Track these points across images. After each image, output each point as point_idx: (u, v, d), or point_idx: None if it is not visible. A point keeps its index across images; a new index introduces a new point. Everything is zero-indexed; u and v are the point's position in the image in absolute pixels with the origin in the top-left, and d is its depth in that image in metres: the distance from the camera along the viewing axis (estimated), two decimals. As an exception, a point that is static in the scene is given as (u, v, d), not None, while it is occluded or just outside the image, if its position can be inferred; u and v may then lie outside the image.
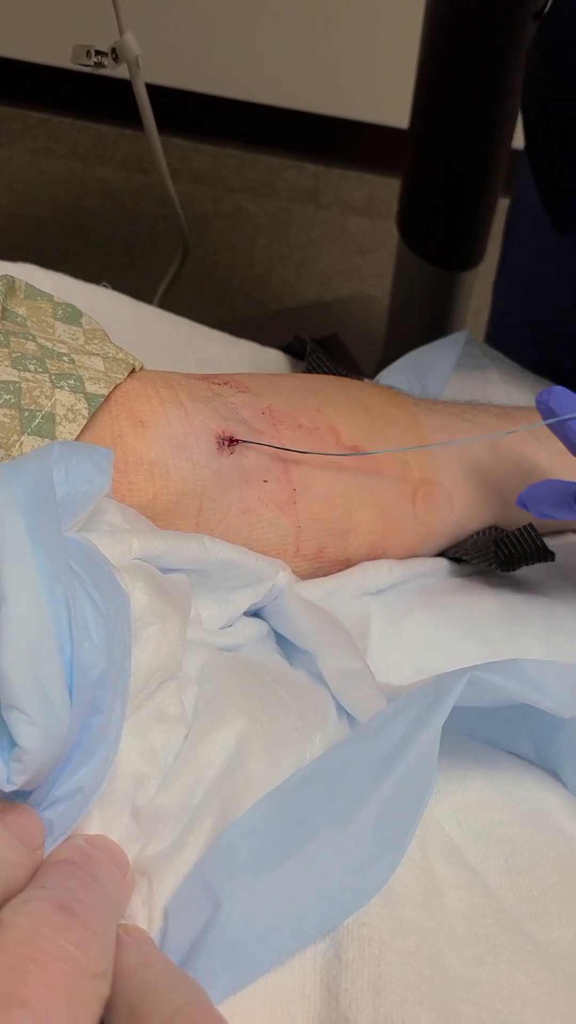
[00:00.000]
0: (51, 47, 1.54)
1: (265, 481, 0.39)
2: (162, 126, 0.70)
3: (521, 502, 0.41)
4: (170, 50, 1.51)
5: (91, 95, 1.62)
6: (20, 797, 0.24)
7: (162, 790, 0.27)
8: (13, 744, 0.22)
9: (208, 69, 1.58)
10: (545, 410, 0.40)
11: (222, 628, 0.37)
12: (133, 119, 0.67)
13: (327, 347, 1.10)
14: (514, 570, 0.44)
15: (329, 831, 0.26)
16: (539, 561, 0.44)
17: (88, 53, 0.59)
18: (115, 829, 0.26)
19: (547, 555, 0.44)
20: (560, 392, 0.39)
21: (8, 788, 0.22)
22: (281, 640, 0.39)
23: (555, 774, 0.36)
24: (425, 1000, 0.24)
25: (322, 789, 0.27)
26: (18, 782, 0.22)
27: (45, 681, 0.23)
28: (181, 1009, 0.20)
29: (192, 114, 1.62)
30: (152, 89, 0.66)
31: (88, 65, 0.59)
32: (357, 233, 1.61)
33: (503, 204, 0.91)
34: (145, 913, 0.25)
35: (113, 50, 0.59)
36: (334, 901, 0.25)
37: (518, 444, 0.47)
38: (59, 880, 0.22)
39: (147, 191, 1.60)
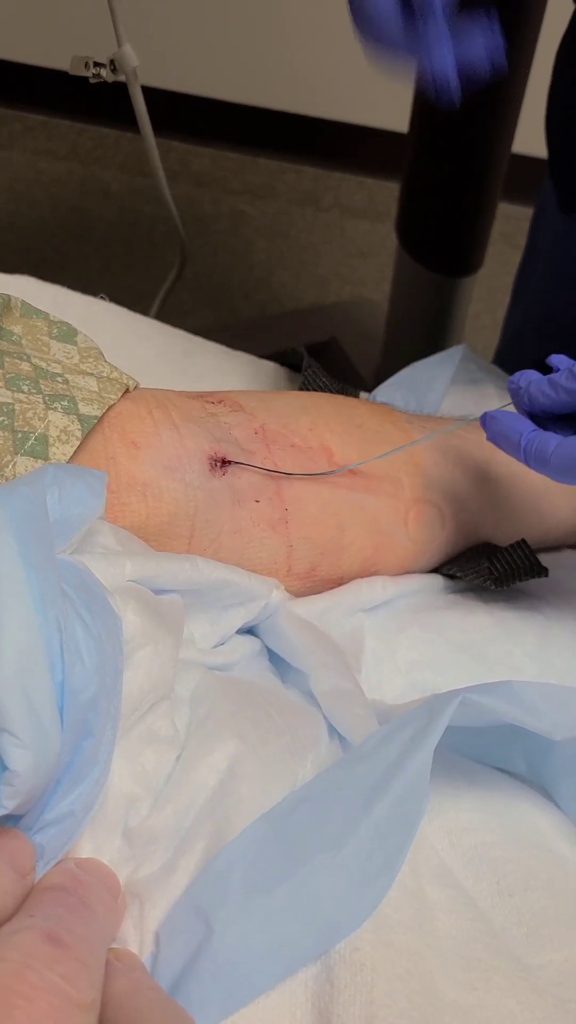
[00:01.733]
0: (51, 50, 1.54)
1: (257, 501, 0.39)
2: (161, 129, 0.69)
3: (482, 419, 0.40)
4: (170, 54, 1.51)
5: (91, 98, 1.61)
6: (10, 821, 0.24)
7: (154, 812, 0.27)
8: (4, 768, 0.22)
9: (208, 72, 1.58)
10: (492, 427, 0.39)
11: (215, 647, 0.37)
12: (133, 121, 0.67)
13: (326, 351, 1.10)
14: (507, 586, 0.44)
15: (321, 855, 0.26)
16: (532, 577, 0.44)
17: (87, 64, 0.59)
18: (106, 851, 0.26)
19: (540, 571, 0.44)
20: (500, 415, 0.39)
21: (-1, 813, 0.22)
22: (274, 657, 0.39)
23: (546, 791, 0.36)
24: (415, 1026, 0.24)
25: (314, 813, 0.28)
26: (9, 806, 0.22)
27: (36, 704, 0.23)
28: None
29: (192, 117, 1.62)
30: (151, 92, 0.66)
31: (87, 76, 0.59)
32: (356, 236, 1.61)
33: (503, 209, 0.91)
34: (136, 937, 0.25)
35: (112, 61, 0.59)
36: (326, 926, 0.25)
37: (511, 463, 0.47)
38: (49, 908, 0.22)
39: (146, 193, 1.60)
